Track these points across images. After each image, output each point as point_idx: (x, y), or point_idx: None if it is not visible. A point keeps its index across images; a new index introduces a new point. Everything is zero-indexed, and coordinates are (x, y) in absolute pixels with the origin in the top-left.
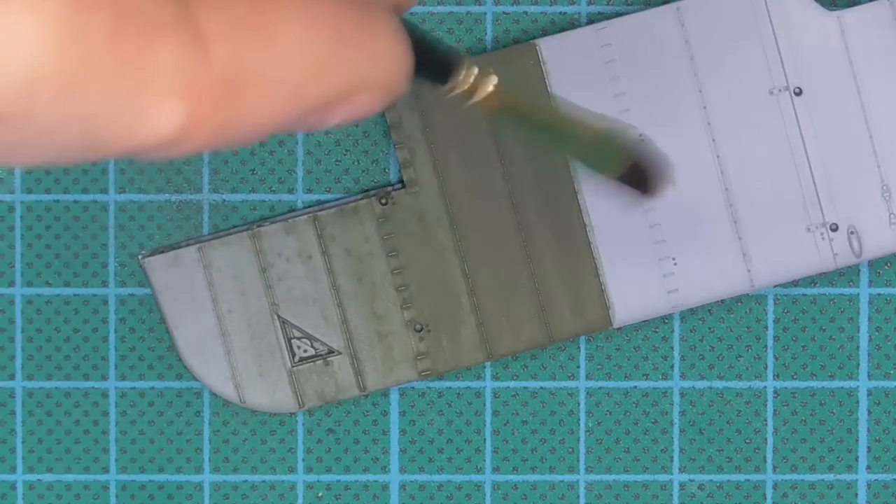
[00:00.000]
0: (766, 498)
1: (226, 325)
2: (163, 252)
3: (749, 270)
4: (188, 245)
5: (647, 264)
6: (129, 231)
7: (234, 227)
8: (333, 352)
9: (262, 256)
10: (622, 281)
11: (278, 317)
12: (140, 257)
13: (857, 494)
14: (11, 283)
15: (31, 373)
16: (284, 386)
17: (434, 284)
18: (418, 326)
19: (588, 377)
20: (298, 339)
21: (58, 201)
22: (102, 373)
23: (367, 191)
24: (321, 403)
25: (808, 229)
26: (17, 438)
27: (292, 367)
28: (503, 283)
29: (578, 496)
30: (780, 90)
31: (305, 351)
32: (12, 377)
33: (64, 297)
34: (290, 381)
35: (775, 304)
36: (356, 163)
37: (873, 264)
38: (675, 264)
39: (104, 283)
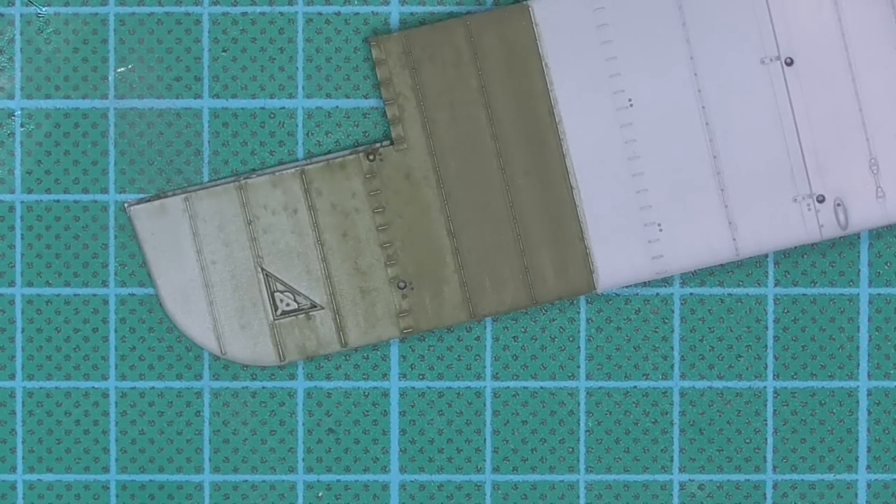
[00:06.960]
0: (766, 498)
1: (209, 276)
2: (149, 201)
3: (734, 239)
4: (174, 195)
5: (632, 229)
6: (129, 231)
7: (222, 177)
8: (316, 306)
9: (247, 208)
10: (607, 245)
11: (262, 269)
12: (126, 206)
13: (857, 494)
14: (11, 283)
15: (32, 373)
16: (266, 339)
17: (419, 242)
18: (402, 283)
19: (588, 377)
20: (281, 292)
21: (58, 201)
22: (102, 373)
23: (356, 146)
24: (302, 357)
25: (795, 200)
26: (17, 438)
27: (274, 320)
28: (488, 243)
29: (578, 496)
30: (771, 59)
31: (288, 304)
32: (12, 377)
33: (64, 297)
34: (271, 335)
35: (775, 304)
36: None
37: (873, 264)
38: (661, 230)
39: (104, 283)
